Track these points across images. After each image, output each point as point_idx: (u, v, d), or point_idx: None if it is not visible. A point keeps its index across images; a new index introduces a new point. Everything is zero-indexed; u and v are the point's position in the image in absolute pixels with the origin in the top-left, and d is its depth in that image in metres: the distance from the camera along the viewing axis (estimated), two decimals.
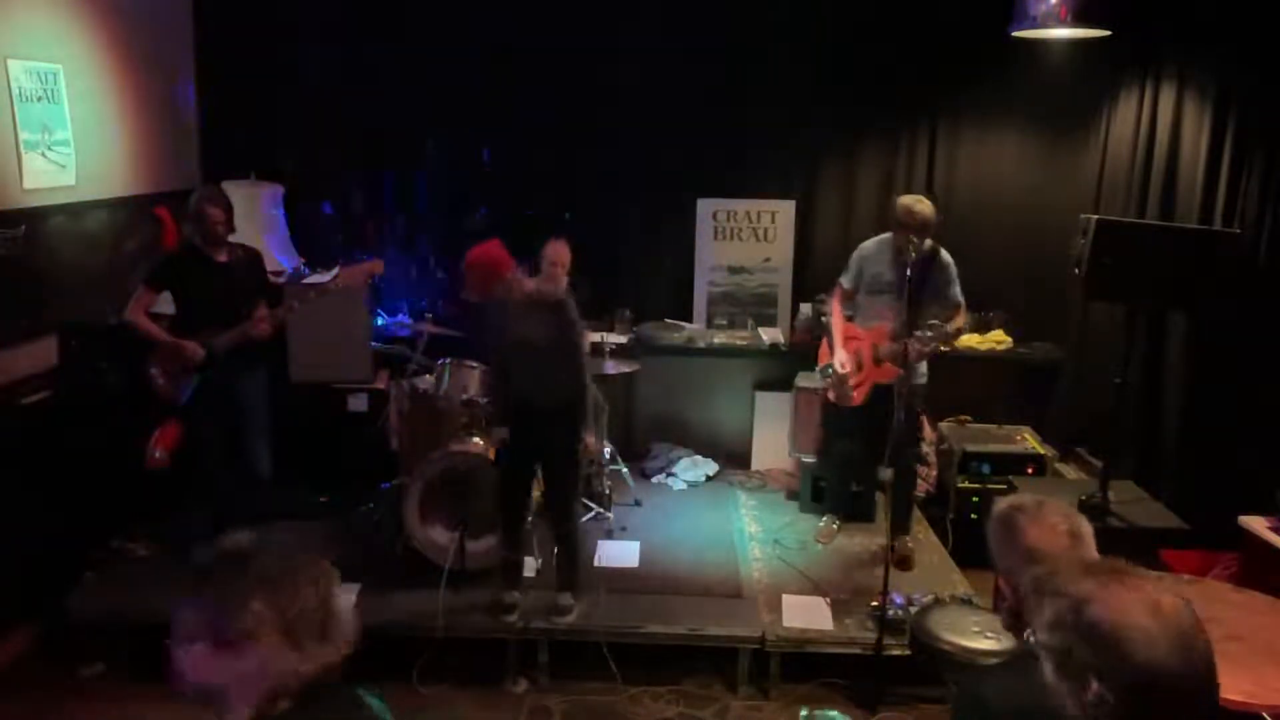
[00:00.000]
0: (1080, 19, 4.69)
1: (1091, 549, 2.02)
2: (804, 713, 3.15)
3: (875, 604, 4.21)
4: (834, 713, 3.16)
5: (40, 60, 4.52)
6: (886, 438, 4.42)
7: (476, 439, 4.66)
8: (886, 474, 4.99)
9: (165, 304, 4.55)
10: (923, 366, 4.77)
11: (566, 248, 5.15)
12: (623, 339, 5.79)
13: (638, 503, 5.55)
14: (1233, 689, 2.63)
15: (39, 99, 4.50)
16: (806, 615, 4.39)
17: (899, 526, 4.89)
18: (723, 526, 5.37)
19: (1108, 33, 4.88)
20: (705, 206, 6.26)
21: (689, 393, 6.26)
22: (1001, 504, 2.14)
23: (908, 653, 3.91)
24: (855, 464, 5.18)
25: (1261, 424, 4.66)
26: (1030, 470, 5.25)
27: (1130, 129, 5.55)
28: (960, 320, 4.71)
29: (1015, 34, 5.03)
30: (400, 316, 6.16)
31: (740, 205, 6.24)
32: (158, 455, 4.95)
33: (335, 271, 4.85)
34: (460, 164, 6.17)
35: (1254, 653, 2.90)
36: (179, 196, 5.07)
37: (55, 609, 4.36)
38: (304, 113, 6.06)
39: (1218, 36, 4.91)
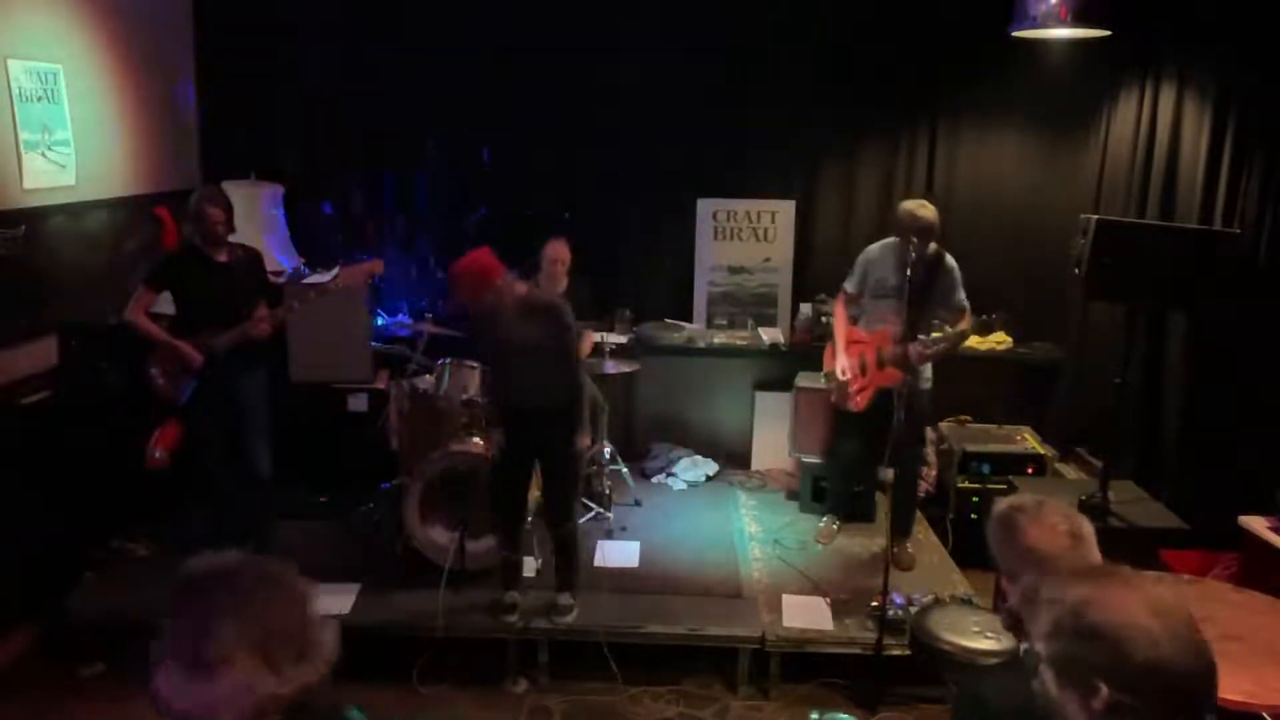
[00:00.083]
0: (1080, 19, 4.69)
1: (1093, 549, 2.01)
2: (814, 715, 3.15)
3: (875, 604, 4.21)
4: (843, 716, 3.17)
5: (40, 60, 4.52)
6: (888, 439, 4.42)
7: (476, 439, 4.66)
8: (887, 474, 4.99)
9: (165, 304, 4.54)
10: (927, 371, 4.77)
11: (567, 247, 5.16)
12: (623, 339, 5.78)
13: (638, 503, 5.55)
14: (1233, 689, 2.63)
15: (39, 99, 4.50)
16: (806, 615, 4.39)
17: (900, 530, 4.90)
18: (723, 526, 5.37)
19: (1108, 33, 4.88)
20: (705, 206, 6.26)
21: (689, 393, 6.26)
22: (1002, 504, 2.14)
23: (908, 653, 3.91)
24: (859, 466, 5.18)
25: (1261, 424, 4.65)
26: (1030, 470, 5.25)
27: (1130, 129, 5.55)
28: (965, 324, 4.70)
29: (1015, 34, 5.03)
30: (400, 316, 6.16)
31: (740, 205, 6.24)
32: (158, 455, 4.95)
33: (335, 271, 4.84)
34: (460, 164, 6.17)
35: (1254, 653, 2.90)
36: (179, 196, 5.07)
37: (55, 609, 4.36)
38: (304, 113, 6.06)
39: (1218, 36, 4.91)
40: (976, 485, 5.27)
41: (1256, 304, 4.67)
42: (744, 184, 6.20)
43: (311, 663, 1.45)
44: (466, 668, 4.25)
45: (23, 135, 4.37)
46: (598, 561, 4.85)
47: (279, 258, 5.72)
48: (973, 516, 5.17)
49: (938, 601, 4.09)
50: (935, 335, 4.45)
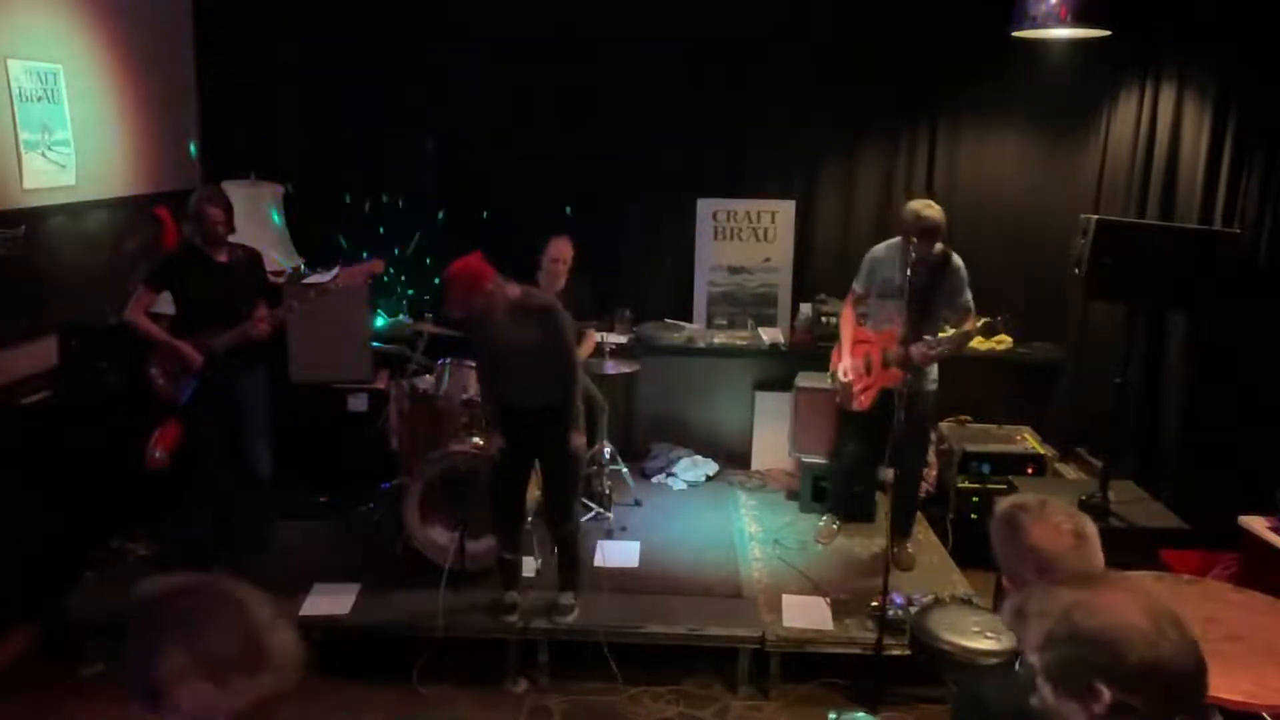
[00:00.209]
0: (1080, 19, 4.70)
1: (1097, 549, 2.00)
2: (832, 715, 3.16)
3: (875, 604, 4.21)
4: (861, 714, 3.17)
5: (40, 60, 4.52)
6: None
7: (476, 439, 4.66)
8: (887, 474, 4.99)
9: (165, 304, 4.54)
10: (934, 372, 4.75)
11: (569, 245, 5.16)
12: (623, 339, 5.78)
13: (638, 503, 5.55)
14: (1233, 689, 2.63)
15: (39, 99, 4.50)
16: (806, 615, 4.39)
17: (900, 530, 4.89)
18: (723, 526, 5.37)
19: (1108, 33, 4.88)
20: (705, 206, 6.26)
21: (689, 393, 6.26)
22: (1005, 503, 2.13)
23: (908, 653, 3.90)
24: (861, 465, 5.18)
25: (1261, 424, 4.65)
26: (1030, 470, 5.25)
27: (1130, 129, 5.55)
28: (970, 325, 4.68)
29: (1015, 34, 5.03)
30: (400, 317, 6.15)
31: (740, 205, 6.24)
32: (158, 455, 4.95)
33: (335, 271, 4.84)
34: (460, 164, 6.17)
35: (1254, 653, 2.89)
36: (179, 196, 5.07)
37: (55, 609, 4.36)
38: (304, 113, 6.06)
39: (1218, 36, 4.91)
40: (976, 485, 5.27)
41: (1256, 304, 4.67)
42: (744, 184, 6.20)
43: (269, 672, 1.45)
44: (466, 668, 4.25)
45: (23, 135, 4.36)
46: (598, 561, 4.85)
47: (279, 258, 5.71)
48: (973, 516, 5.17)
49: (938, 601, 4.08)
50: (940, 336, 4.43)
